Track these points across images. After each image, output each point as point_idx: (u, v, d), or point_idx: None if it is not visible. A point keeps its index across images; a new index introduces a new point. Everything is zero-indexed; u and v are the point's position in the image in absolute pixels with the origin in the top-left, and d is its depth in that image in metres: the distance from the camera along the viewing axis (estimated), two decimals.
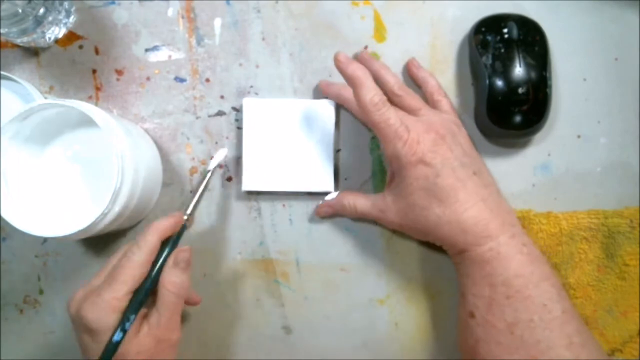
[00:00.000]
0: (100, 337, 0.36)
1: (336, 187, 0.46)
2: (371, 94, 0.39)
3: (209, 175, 0.45)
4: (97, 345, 0.36)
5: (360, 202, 0.44)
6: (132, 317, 0.37)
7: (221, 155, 0.46)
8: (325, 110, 0.46)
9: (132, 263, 0.37)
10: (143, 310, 0.38)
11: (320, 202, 0.46)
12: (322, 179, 0.45)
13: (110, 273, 0.38)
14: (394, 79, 0.44)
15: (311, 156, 0.45)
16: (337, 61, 0.40)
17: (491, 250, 0.39)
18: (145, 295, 0.38)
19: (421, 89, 0.46)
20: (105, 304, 0.36)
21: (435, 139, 0.40)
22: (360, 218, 0.45)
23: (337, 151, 0.47)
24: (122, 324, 0.36)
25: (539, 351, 0.37)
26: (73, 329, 0.38)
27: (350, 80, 0.40)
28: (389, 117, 0.39)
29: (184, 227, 0.41)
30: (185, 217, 0.41)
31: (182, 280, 0.38)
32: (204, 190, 0.44)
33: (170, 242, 0.40)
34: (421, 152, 0.39)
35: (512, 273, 0.39)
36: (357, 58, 0.46)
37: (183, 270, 0.39)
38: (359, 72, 0.39)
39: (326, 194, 0.46)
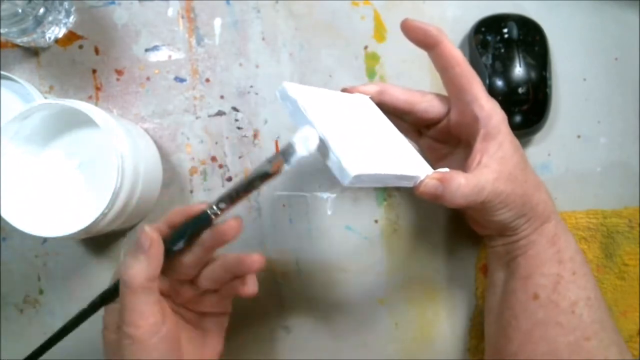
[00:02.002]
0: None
1: None
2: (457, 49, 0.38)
3: (281, 168, 0.31)
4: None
5: (475, 178, 0.35)
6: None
7: (307, 142, 0.31)
8: (365, 102, 0.39)
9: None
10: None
11: (425, 176, 0.34)
12: (416, 162, 0.36)
13: None
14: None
15: (390, 141, 0.37)
16: (408, 22, 0.38)
17: (560, 223, 0.40)
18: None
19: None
20: None
21: None
22: (465, 204, 0.35)
23: None
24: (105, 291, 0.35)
25: (593, 331, 0.38)
26: None
27: (432, 34, 0.37)
28: (475, 72, 0.38)
29: (201, 221, 0.34)
30: (211, 211, 0.33)
31: (135, 269, 0.32)
32: (252, 185, 0.32)
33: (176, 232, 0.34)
34: (504, 113, 0.38)
35: (574, 248, 0.39)
36: (349, 90, 0.40)
37: (135, 257, 0.33)
38: (438, 29, 0.38)
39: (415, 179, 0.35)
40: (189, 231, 0.34)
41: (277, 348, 0.47)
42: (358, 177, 0.30)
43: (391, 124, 0.38)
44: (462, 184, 0.34)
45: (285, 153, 0.31)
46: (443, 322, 0.47)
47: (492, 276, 0.42)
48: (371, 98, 0.39)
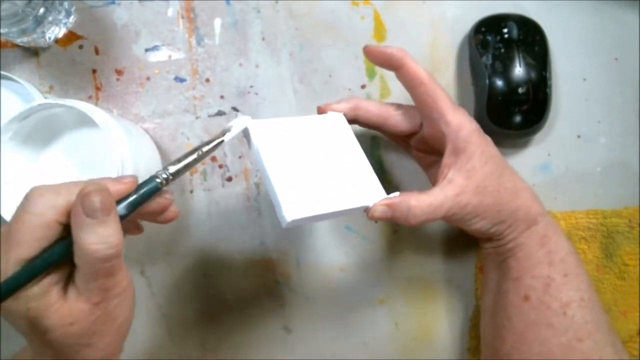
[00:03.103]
0: None
1: None
2: (422, 67, 0.38)
3: (215, 142, 0.34)
4: None
5: (429, 198, 0.36)
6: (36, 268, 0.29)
7: (240, 125, 0.36)
8: (337, 122, 0.40)
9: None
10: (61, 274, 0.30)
11: (373, 204, 0.36)
12: (370, 190, 0.37)
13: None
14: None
15: (347, 169, 0.38)
16: (370, 48, 0.39)
17: (551, 224, 0.40)
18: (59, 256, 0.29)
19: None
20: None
21: None
22: (419, 223, 0.37)
23: None
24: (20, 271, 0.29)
25: (587, 332, 0.38)
26: None
27: (395, 57, 0.38)
28: (441, 88, 0.38)
29: (150, 187, 0.32)
30: (161, 177, 0.33)
31: (103, 237, 0.29)
32: (195, 158, 0.34)
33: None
34: (475, 122, 0.38)
35: (567, 250, 0.39)
36: (323, 108, 0.41)
37: (100, 221, 0.29)
38: (400, 50, 0.38)
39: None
40: (139, 197, 0.32)
41: (277, 348, 0.47)
42: (294, 222, 0.33)
43: (357, 144, 0.39)
44: (412, 206, 0.35)
45: (223, 132, 0.35)
46: (443, 323, 0.47)
47: (486, 277, 0.43)
48: (345, 115, 0.41)
